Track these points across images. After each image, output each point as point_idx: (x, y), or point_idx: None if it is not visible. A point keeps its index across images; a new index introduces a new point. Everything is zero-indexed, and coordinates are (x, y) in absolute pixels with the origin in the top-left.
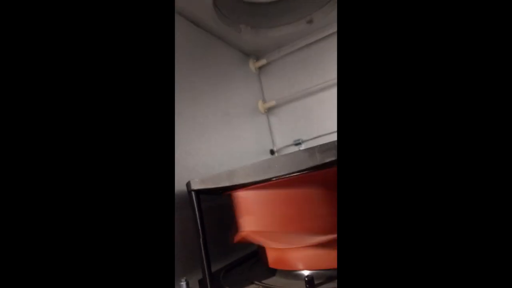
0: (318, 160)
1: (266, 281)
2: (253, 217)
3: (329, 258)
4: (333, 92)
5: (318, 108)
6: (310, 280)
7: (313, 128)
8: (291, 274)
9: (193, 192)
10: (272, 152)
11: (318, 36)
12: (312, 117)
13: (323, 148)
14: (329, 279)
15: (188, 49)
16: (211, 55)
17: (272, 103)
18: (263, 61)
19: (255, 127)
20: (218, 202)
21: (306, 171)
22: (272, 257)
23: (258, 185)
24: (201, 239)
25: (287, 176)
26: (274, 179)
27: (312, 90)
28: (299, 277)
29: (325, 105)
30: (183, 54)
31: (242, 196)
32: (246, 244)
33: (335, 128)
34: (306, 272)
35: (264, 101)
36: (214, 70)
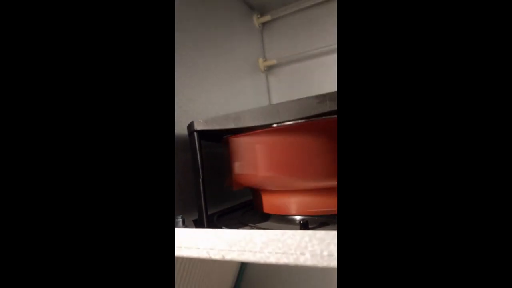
0: (328, 107)
1: (259, 225)
2: (254, 162)
3: (323, 204)
4: (336, 57)
5: (320, 72)
6: (304, 223)
7: (313, 92)
8: (285, 219)
9: (195, 133)
10: None
11: None
12: (312, 80)
13: (333, 95)
14: (322, 224)
15: None
16: (216, 5)
17: (272, 61)
18: (267, 17)
19: (253, 85)
20: (215, 150)
21: (314, 118)
22: (267, 201)
23: (263, 130)
24: (200, 179)
25: (295, 121)
26: (281, 124)
27: (315, 53)
28: (292, 221)
29: (327, 69)
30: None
31: (245, 140)
32: (239, 194)
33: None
34: (299, 217)
35: (264, 59)
36: (218, 20)
